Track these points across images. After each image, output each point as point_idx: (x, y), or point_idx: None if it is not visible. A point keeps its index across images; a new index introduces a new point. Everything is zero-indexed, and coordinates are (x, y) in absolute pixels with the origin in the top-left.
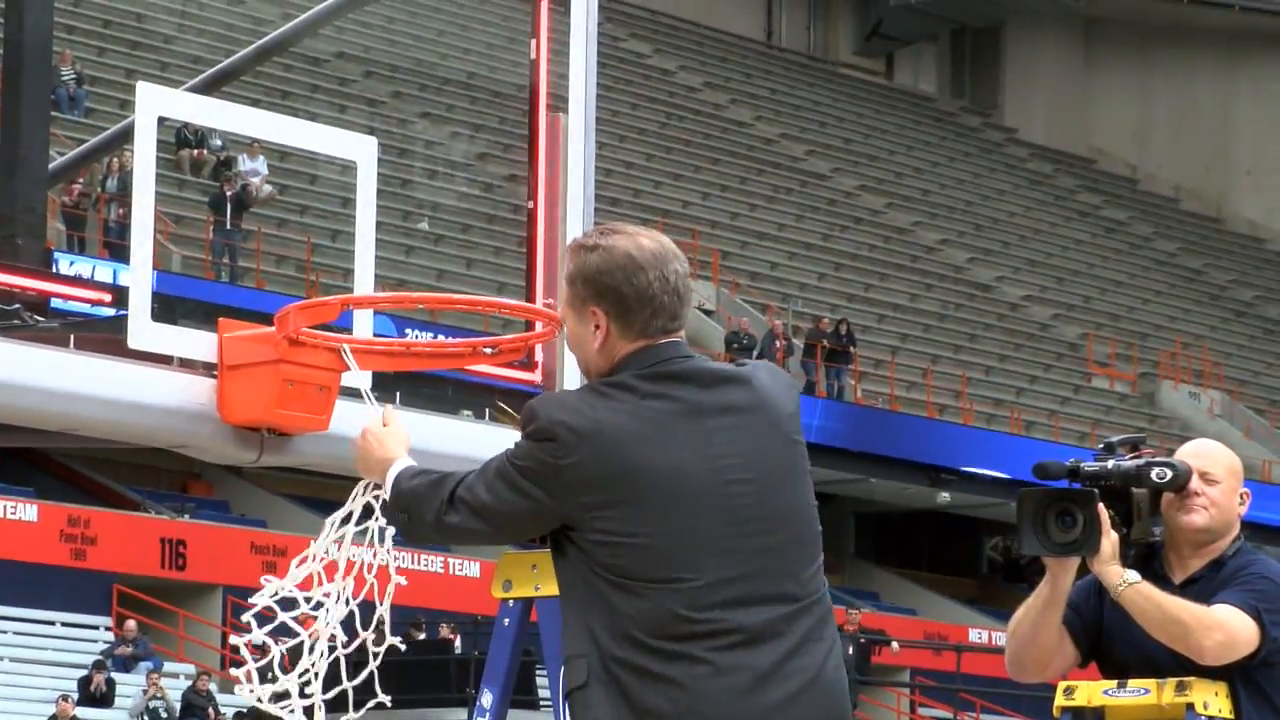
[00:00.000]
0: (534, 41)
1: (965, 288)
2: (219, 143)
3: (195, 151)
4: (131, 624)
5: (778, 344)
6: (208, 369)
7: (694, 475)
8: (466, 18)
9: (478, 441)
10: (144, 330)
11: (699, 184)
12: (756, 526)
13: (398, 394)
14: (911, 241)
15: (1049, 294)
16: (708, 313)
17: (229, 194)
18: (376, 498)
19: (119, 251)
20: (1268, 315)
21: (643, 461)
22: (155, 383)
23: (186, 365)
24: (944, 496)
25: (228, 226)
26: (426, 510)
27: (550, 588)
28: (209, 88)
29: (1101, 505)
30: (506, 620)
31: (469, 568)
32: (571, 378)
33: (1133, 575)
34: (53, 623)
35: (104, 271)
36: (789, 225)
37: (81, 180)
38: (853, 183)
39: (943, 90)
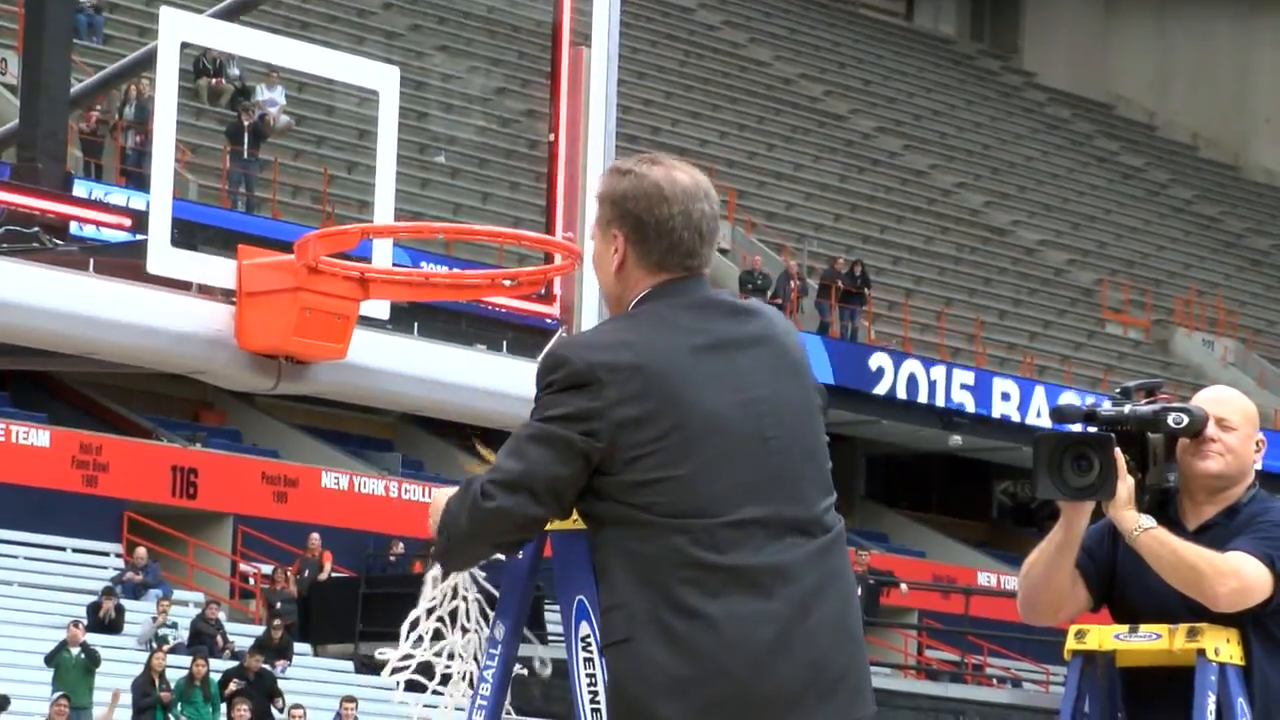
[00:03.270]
0: None
1: (981, 231)
2: (236, 72)
3: (213, 80)
4: (142, 551)
5: (793, 284)
6: (226, 295)
7: (728, 408)
8: None
9: (492, 373)
10: (163, 255)
11: (717, 123)
12: (784, 460)
13: (415, 324)
14: (928, 184)
15: (1064, 239)
16: (723, 251)
17: (246, 123)
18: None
19: (136, 179)
20: None
21: (683, 394)
22: (173, 308)
23: (205, 291)
24: (955, 439)
25: (245, 156)
26: (460, 517)
27: (564, 521)
28: (230, 15)
29: (1118, 450)
30: (520, 553)
31: None
32: (590, 310)
33: (1148, 520)
34: (63, 548)
35: (120, 198)
36: (806, 165)
37: (99, 107)
38: (870, 124)
39: (962, 33)
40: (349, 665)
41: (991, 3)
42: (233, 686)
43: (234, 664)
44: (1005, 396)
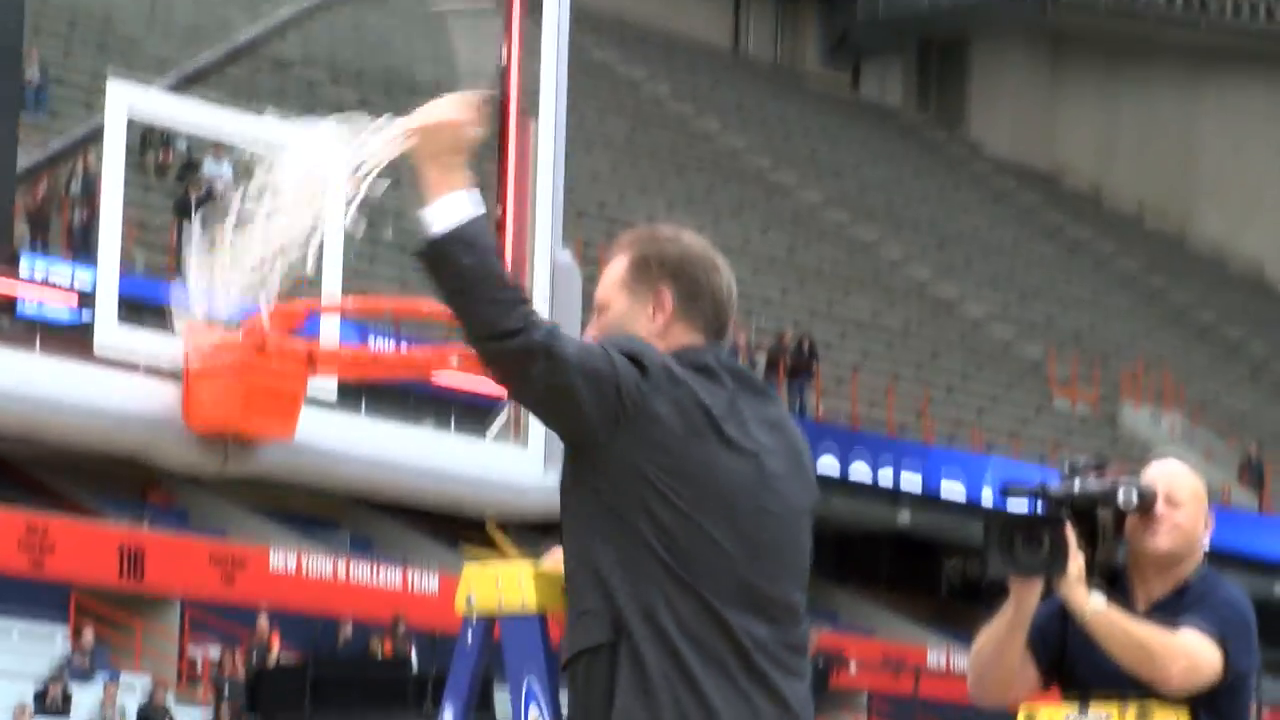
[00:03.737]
0: (504, 46)
1: (928, 304)
2: (184, 145)
3: (160, 154)
4: (89, 634)
5: (740, 358)
6: (173, 374)
7: (752, 477)
8: (435, 22)
9: (439, 452)
10: (110, 334)
11: (664, 194)
12: (789, 540)
13: (363, 401)
14: (875, 257)
15: (1011, 312)
16: None
17: (194, 197)
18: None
19: (83, 252)
20: (1229, 337)
21: (719, 442)
22: (120, 387)
23: (152, 370)
24: (904, 516)
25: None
26: (496, 299)
27: (514, 604)
28: (177, 89)
29: (1069, 527)
30: (469, 636)
31: (429, 581)
32: None
33: (1099, 599)
34: (9, 631)
35: (67, 271)
36: (753, 238)
37: (46, 181)
38: (817, 196)
39: (908, 103)
40: None
41: (937, 73)
42: None
43: None
44: (953, 472)
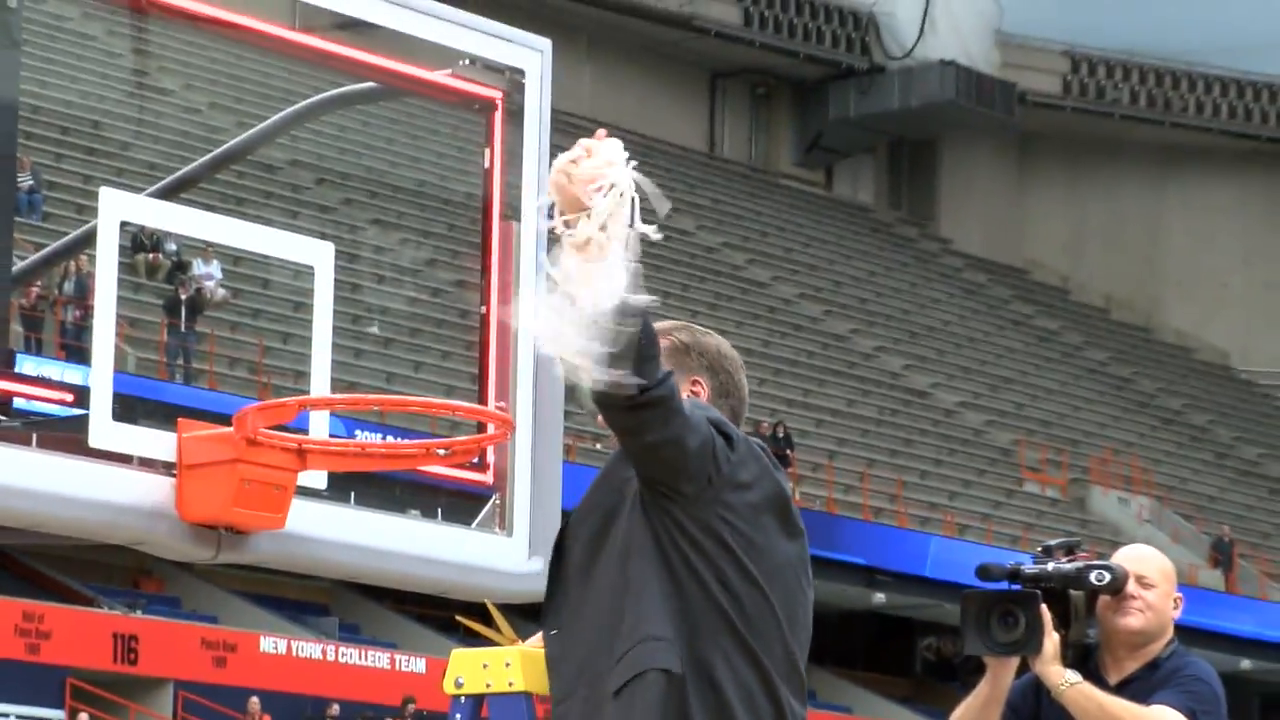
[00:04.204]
0: (487, 151)
1: (901, 394)
2: (174, 247)
3: (151, 256)
4: (84, 718)
5: None
6: (167, 468)
7: (800, 558)
8: (417, 127)
9: (425, 540)
10: (105, 430)
11: (643, 291)
12: (810, 623)
13: (351, 493)
14: (849, 348)
15: (982, 400)
16: None
17: (184, 297)
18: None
19: (76, 352)
20: (1195, 423)
21: (782, 521)
22: (115, 481)
23: (146, 464)
24: (879, 597)
25: (182, 329)
26: (646, 366)
27: (501, 685)
28: (167, 194)
29: (1044, 606)
30: (459, 716)
31: (415, 663)
32: (523, 477)
33: (1074, 675)
34: (7, 715)
35: (60, 372)
36: (730, 331)
37: (40, 283)
38: (792, 290)
39: (880, 201)
40: None
41: (908, 172)
42: None
43: None
44: (927, 555)
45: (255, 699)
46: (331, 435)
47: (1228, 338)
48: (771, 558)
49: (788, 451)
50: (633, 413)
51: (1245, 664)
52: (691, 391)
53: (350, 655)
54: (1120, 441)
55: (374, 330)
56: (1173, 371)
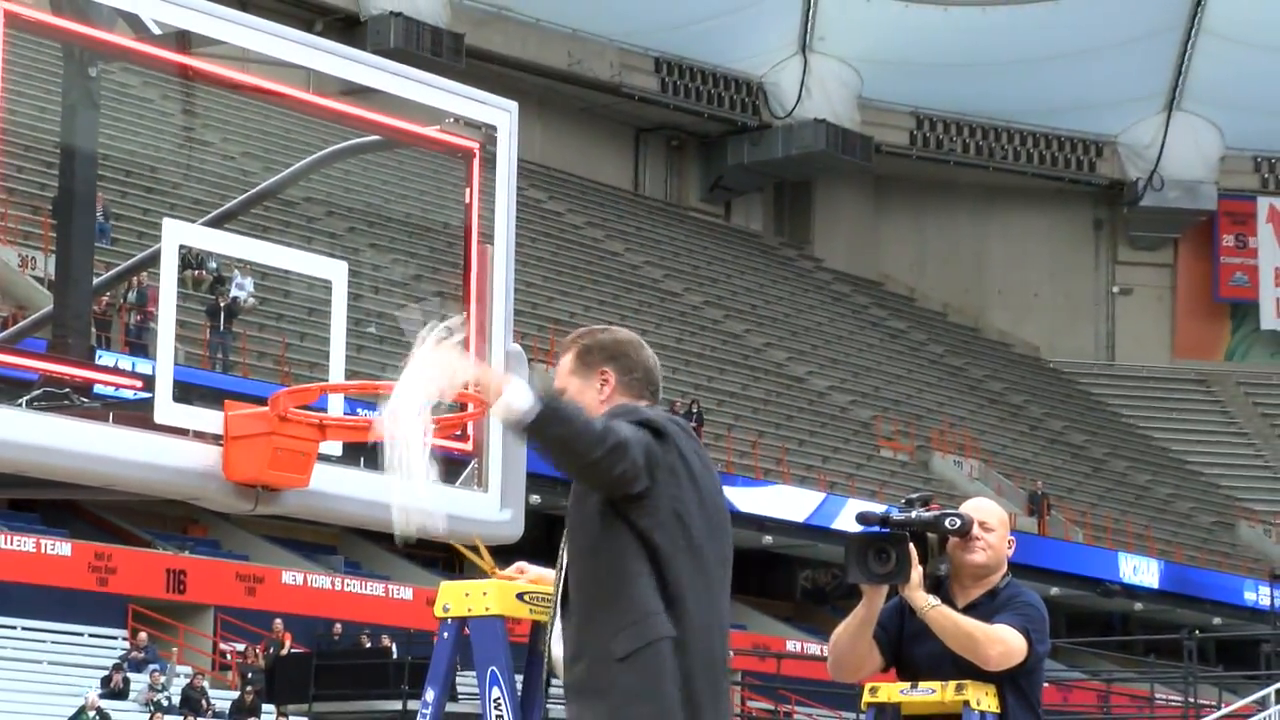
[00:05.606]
0: (467, 189)
1: (784, 380)
2: (214, 265)
3: (196, 272)
4: (143, 635)
5: None
6: (215, 439)
7: (715, 509)
8: (405, 171)
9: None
10: (167, 409)
11: (580, 300)
12: (724, 576)
13: (361, 459)
14: (744, 345)
15: (847, 385)
16: None
17: (222, 305)
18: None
19: (138, 348)
20: (1013, 402)
21: (696, 479)
22: (174, 450)
23: (199, 436)
24: (767, 539)
25: (221, 329)
26: (591, 448)
27: (479, 610)
28: (213, 224)
29: (911, 544)
30: (445, 634)
31: (404, 592)
32: (495, 447)
33: (935, 599)
34: (81, 634)
35: (127, 363)
36: (650, 331)
37: (108, 294)
38: (699, 299)
39: (767, 229)
40: None
41: (789, 206)
42: None
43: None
44: (805, 506)
45: (278, 620)
46: (346, 414)
47: (1038, 335)
48: (706, 519)
49: (698, 425)
50: (597, 479)
51: (1054, 591)
52: (602, 380)
53: (353, 586)
54: (955, 416)
55: (372, 330)
56: (995, 362)
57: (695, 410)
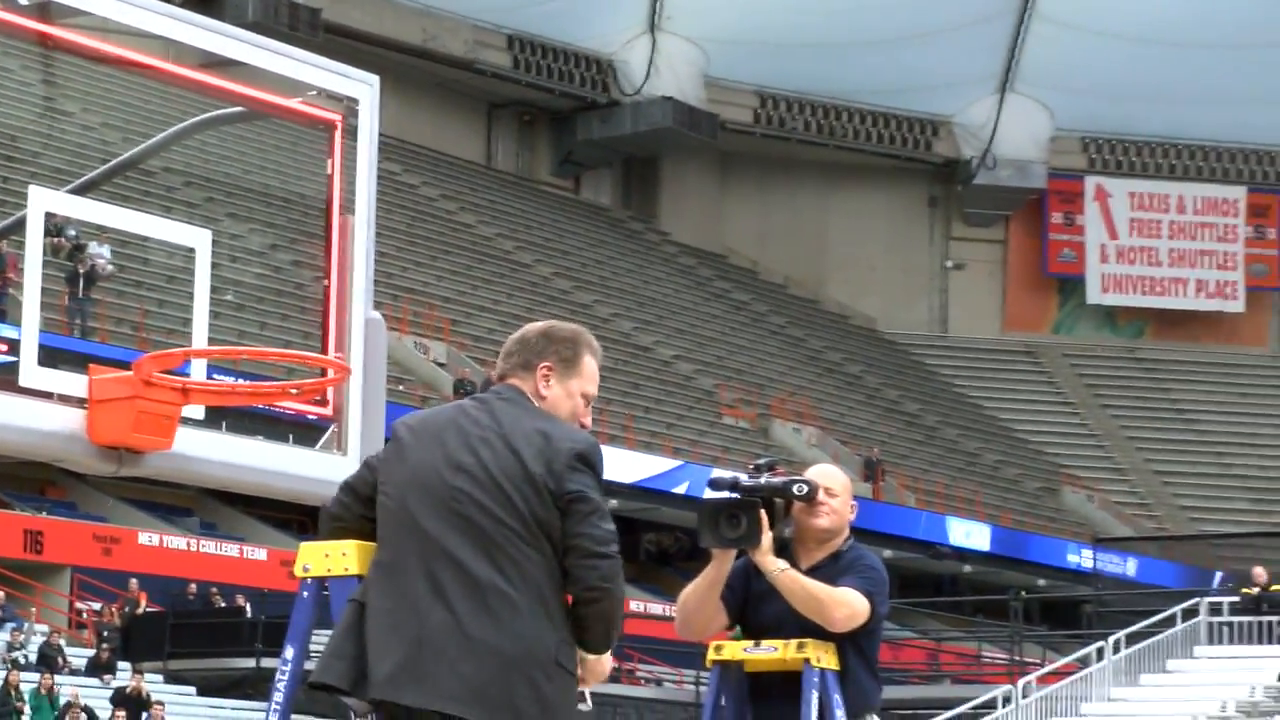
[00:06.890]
0: (329, 160)
1: (631, 349)
2: (73, 232)
3: (55, 239)
4: (1, 594)
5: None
6: (80, 402)
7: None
8: (263, 142)
9: (277, 459)
10: (32, 373)
11: (435, 269)
12: None
13: (223, 422)
14: (592, 315)
15: (692, 354)
16: (441, 365)
17: (81, 271)
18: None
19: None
20: (850, 373)
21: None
22: (40, 413)
23: (64, 400)
24: (612, 502)
25: (80, 296)
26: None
27: (339, 570)
28: (76, 192)
29: (763, 510)
30: (305, 594)
31: (258, 553)
32: (355, 411)
33: (783, 563)
34: None
35: None
36: (501, 300)
37: None
38: (549, 270)
39: (616, 203)
40: (159, 678)
41: (637, 181)
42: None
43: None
44: (649, 471)
45: (134, 580)
46: (208, 378)
47: (875, 308)
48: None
49: None
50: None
51: (888, 553)
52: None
53: (208, 547)
54: (794, 385)
55: (229, 298)
56: (834, 333)
57: None
